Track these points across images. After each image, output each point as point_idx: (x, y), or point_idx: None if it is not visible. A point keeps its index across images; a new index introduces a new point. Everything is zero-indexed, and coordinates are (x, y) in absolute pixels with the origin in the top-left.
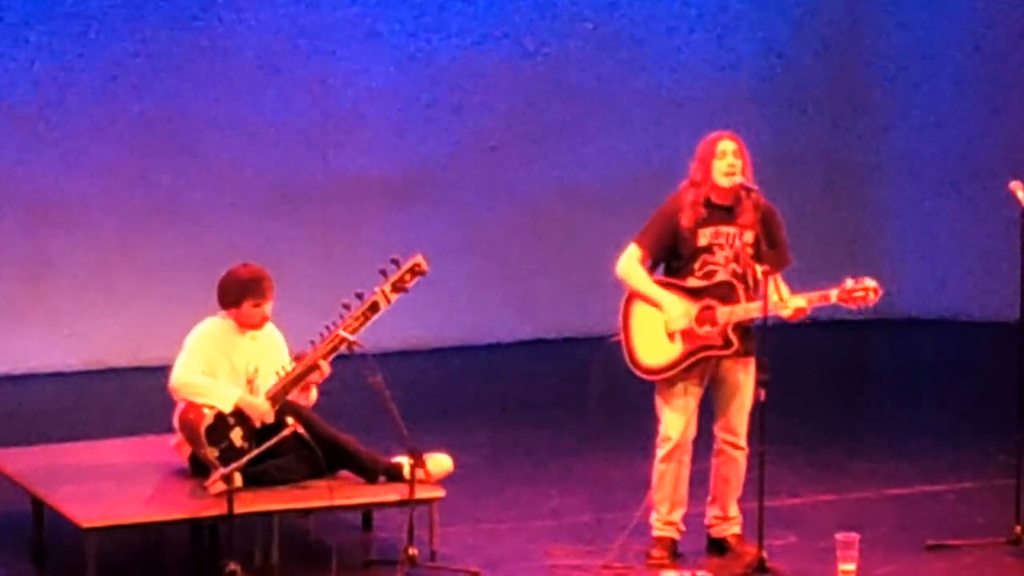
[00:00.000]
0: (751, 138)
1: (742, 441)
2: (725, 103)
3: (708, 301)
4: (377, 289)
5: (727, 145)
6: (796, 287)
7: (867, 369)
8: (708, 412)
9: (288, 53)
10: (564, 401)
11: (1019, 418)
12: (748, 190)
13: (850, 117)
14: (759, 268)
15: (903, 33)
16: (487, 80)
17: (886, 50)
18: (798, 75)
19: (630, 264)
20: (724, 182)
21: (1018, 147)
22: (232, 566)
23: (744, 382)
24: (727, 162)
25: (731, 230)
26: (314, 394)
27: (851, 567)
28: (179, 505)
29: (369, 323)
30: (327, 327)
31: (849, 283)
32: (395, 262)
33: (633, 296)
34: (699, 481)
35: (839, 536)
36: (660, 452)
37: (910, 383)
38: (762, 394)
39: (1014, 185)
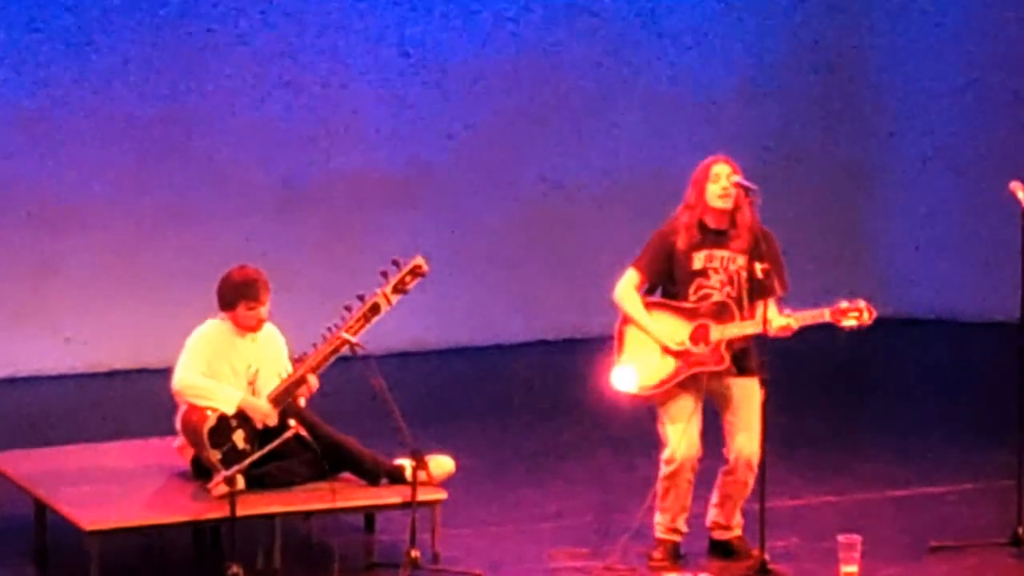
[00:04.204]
0: (751, 139)
1: (754, 462)
2: (725, 103)
3: (703, 320)
4: (378, 291)
5: (721, 169)
6: (795, 287)
7: (867, 370)
8: (714, 430)
9: (290, 55)
10: (565, 402)
11: (1020, 419)
12: (747, 189)
13: (850, 118)
14: (759, 266)
15: (903, 34)
16: (488, 81)
17: (886, 51)
18: (798, 76)
19: (626, 290)
20: (718, 204)
21: (1018, 147)
22: (234, 568)
23: (750, 400)
24: (721, 185)
25: (724, 254)
26: (301, 403)
27: (853, 569)
28: (181, 507)
29: (370, 324)
30: (328, 329)
31: (844, 304)
32: (396, 263)
33: (627, 320)
34: (702, 482)
35: (841, 538)
36: (664, 471)
37: (910, 384)
38: (762, 393)
39: (1014, 185)
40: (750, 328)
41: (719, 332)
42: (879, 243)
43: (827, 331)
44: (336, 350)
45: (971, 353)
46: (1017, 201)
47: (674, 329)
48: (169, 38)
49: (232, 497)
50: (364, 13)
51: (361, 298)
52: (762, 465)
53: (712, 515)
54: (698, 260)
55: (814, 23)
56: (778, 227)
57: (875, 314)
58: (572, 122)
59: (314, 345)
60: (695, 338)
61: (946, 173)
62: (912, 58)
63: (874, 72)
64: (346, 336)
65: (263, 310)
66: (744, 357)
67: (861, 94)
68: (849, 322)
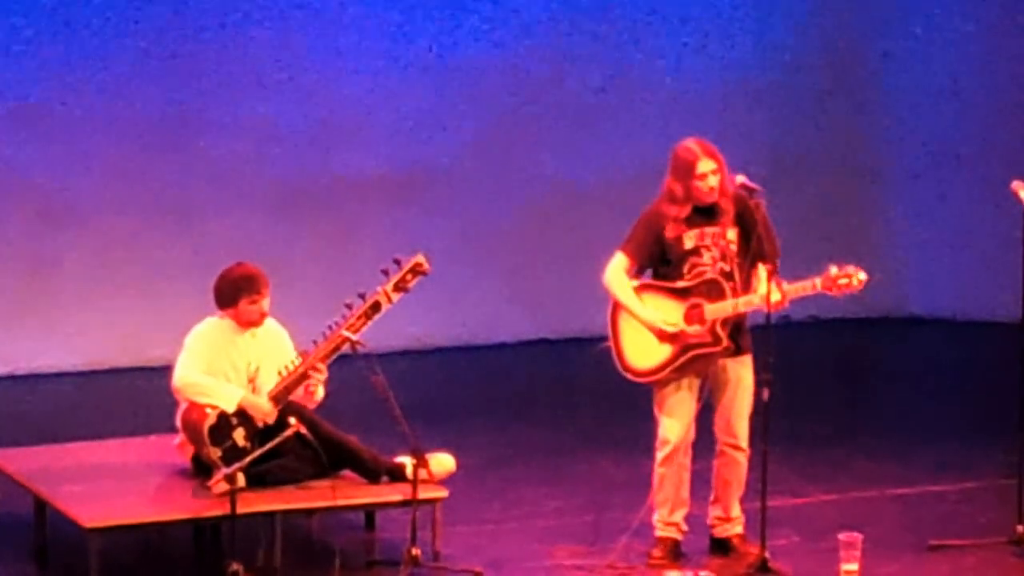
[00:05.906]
0: (751, 138)
1: (743, 443)
2: (725, 103)
3: (695, 300)
4: (379, 289)
5: (705, 166)
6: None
7: (869, 369)
8: (708, 412)
9: (290, 54)
10: (566, 401)
11: (1020, 418)
12: (752, 190)
13: (850, 117)
14: (763, 268)
15: (903, 33)
16: (488, 80)
17: (887, 50)
18: (798, 75)
19: (615, 274)
20: (707, 199)
21: (1019, 147)
22: (235, 566)
23: (741, 381)
24: (708, 184)
25: (714, 230)
26: (320, 392)
27: (854, 567)
28: (182, 505)
29: (371, 322)
30: (329, 327)
31: (833, 270)
32: (397, 262)
33: (619, 306)
34: (701, 481)
35: (842, 536)
36: (659, 456)
37: (912, 383)
38: (765, 394)
39: (1016, 185)
40: (743, 306)
41: (712, 311)
42: (881, 242)
43: (829, 330)
44: (337, 348)
45: (972, 352)
46: (1018, 201)
47: (667, 311)
48: (169, 36)
49: (232, 495)
50: (364, 12)
51: (362, 296)
52: (763, 464)
53: (712, 512)
54: (689, 240)
55: (817, 22)
56: (780, 227)
57: (865, 279)
58: (574, 121)
59: (315, 343)
60: (689, 318)
61: (948, 173)
62: (915, 57)
63: (876, 72)
64: (347, 334)
65: (265, 303)
66: (738, 334)
67: (863, 94)
68: (841, 281)
